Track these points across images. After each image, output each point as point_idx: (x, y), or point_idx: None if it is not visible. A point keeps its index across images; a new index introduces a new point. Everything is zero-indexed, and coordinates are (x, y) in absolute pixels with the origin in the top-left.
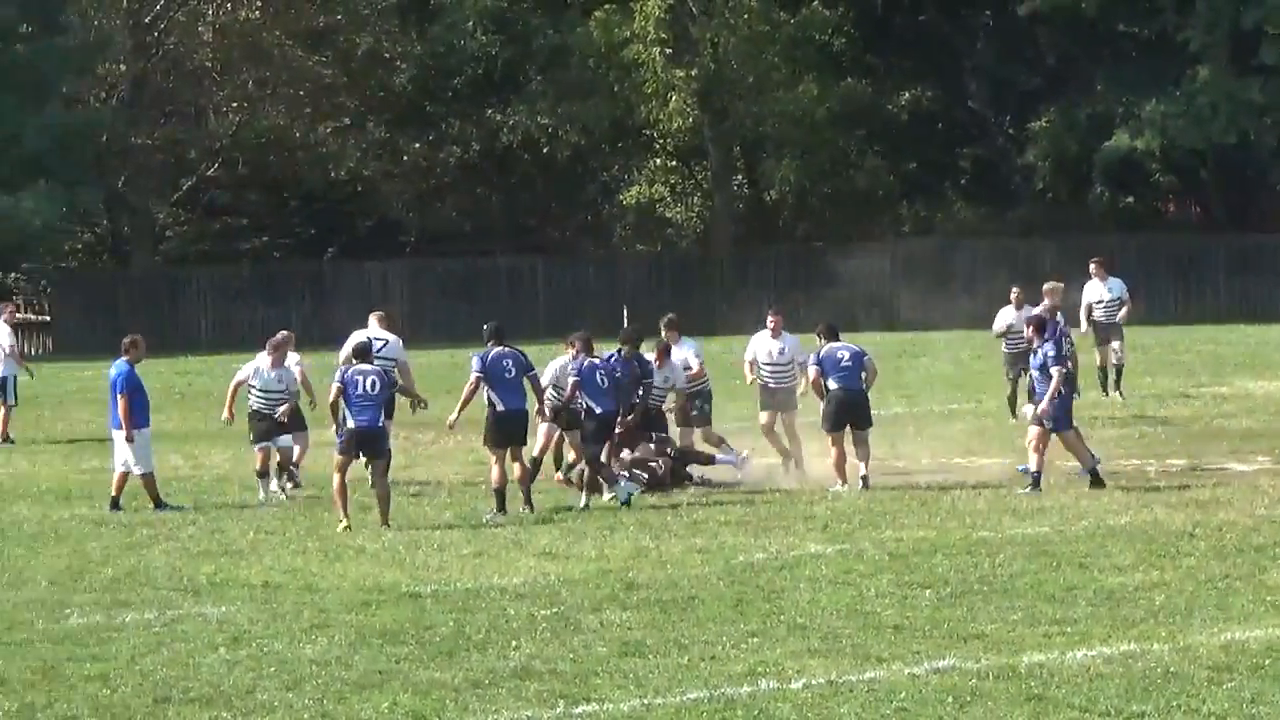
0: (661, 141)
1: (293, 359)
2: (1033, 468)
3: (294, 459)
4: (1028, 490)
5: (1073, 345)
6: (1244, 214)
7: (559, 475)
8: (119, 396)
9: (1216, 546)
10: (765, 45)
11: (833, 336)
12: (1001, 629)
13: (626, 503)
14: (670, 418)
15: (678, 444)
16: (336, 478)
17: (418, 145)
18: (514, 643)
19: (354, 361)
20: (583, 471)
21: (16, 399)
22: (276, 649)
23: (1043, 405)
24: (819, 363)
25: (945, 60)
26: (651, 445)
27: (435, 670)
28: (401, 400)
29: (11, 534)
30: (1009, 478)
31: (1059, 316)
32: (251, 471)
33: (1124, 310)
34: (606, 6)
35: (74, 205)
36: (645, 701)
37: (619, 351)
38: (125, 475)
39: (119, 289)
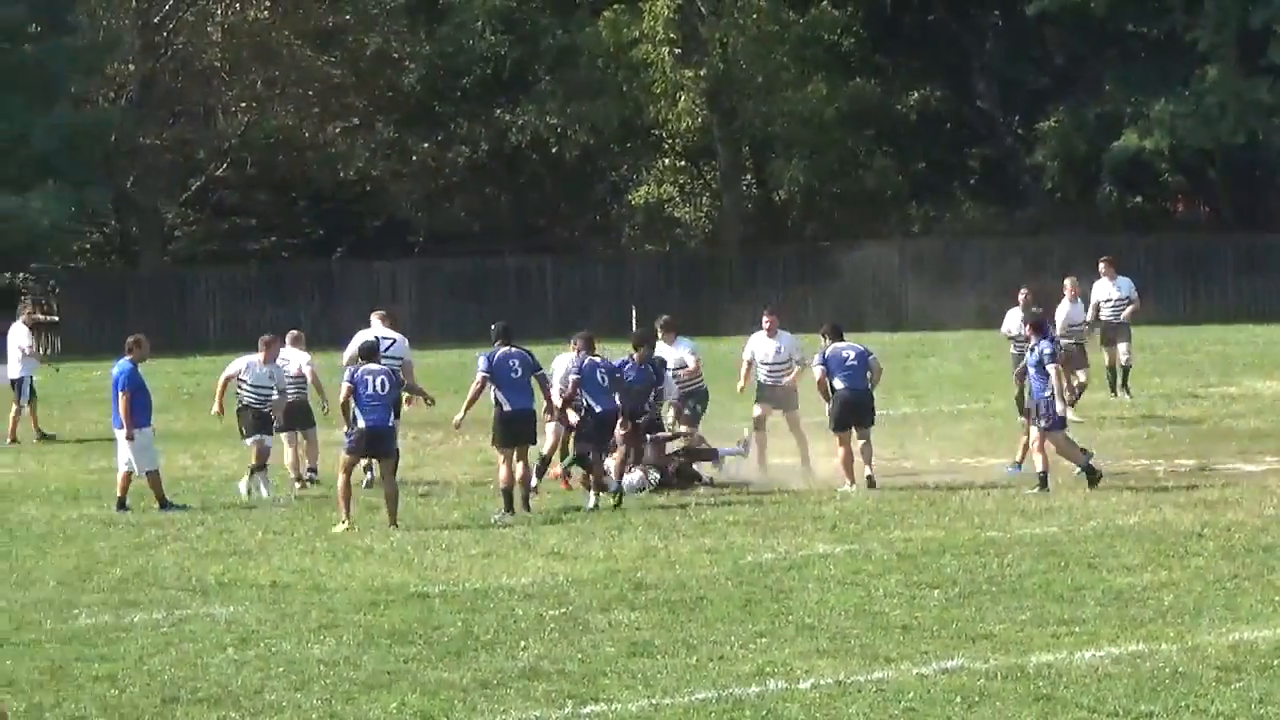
0: (670, 141)
1: (303, 359)
2: (1039, 467)
3: (313, 458)
4: (1035, 490)
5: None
6: (1252, 214)
7: (555, 470)
8: (120, 394)
9: (1225, 547)
10: (774, 45)
11: (837, 336)
12: (1010, 629)
13: (618, 497)
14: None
15: (678, 443)
16: (342, 477)
17: (426, 145)
18: (522, 643)
19: (361, 362)
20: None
21: (34, 398)
22: (285, 649)
23: (1059, 406)
24: (824, 362)
25: (954, 60)
26: (650, 446)
27: (443, 670)
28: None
29: (20, 534)
30: (1020, 477)
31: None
32: (260, 468)
33: (1130, 309)
34: (615, 6)
35: (82, 205)
36: (653, 702)
37: (631, 357)
38: (129, 475)
39: (127, 289)
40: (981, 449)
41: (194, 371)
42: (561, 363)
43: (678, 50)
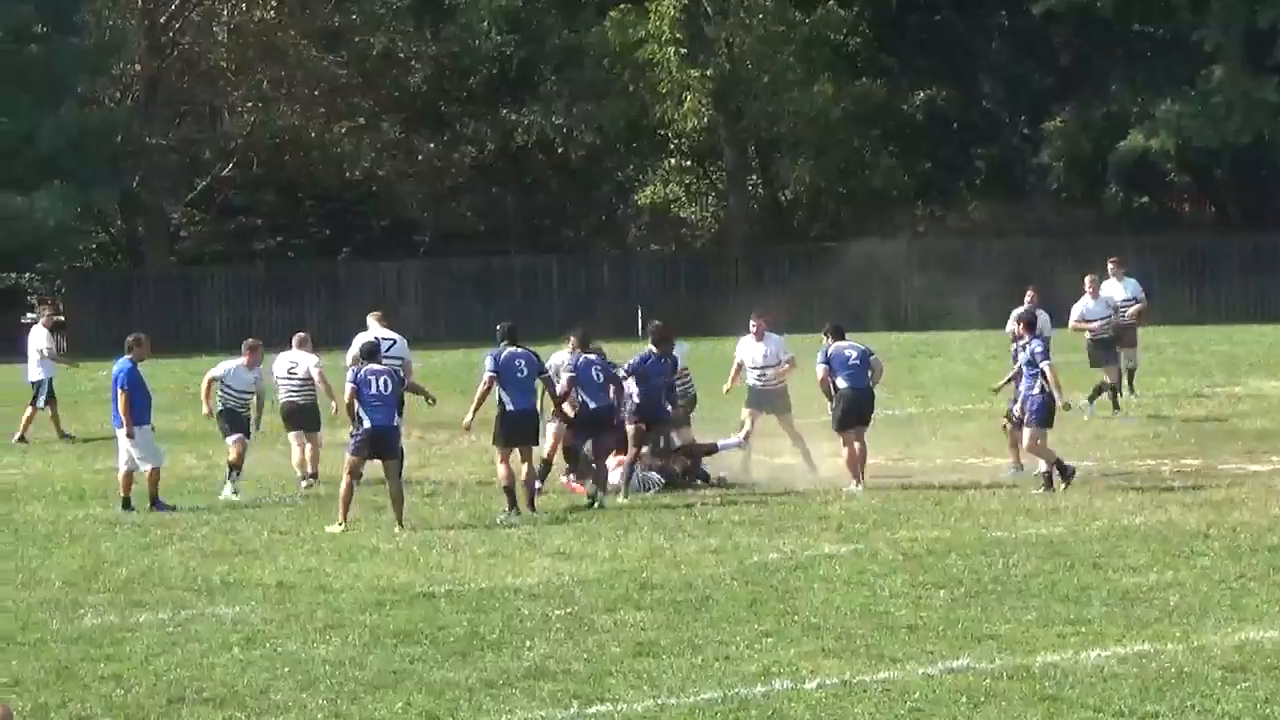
0: (676, 141)
1: (311, 361)
2: (1042, 467)
3: (314, 462)
4: (1041, 490)
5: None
6: (1259, 213)
7: (563, 479)
8: (119, 393)
9: (1231, 547)
10: (780, 45)
11: (839, 336)
12: (1015, 629)
13: (598, 503)
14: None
15: (676, 441)
16: (346, 479)
17: (432, 145)
18: (528, 643)
19: (363, 362)
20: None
21: (53, 399)
22: (290, 649)
23: (1059, 401)
24: (826, 361)
25: (960, 60)
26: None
27: (449, 670)
28: (416, 398)
29: (26, 534)
30: (1027, 477)
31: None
32: (237, 467)
33: (1136, 308)
34: (621, 6)
35: (88, 205)
36: (659, 702)
37: (652, 351)
38: (131, 474)
39: (133, 289)
40: (987, 449)
41: (199, 371)
42: (556, 360)
43: (684, 50)
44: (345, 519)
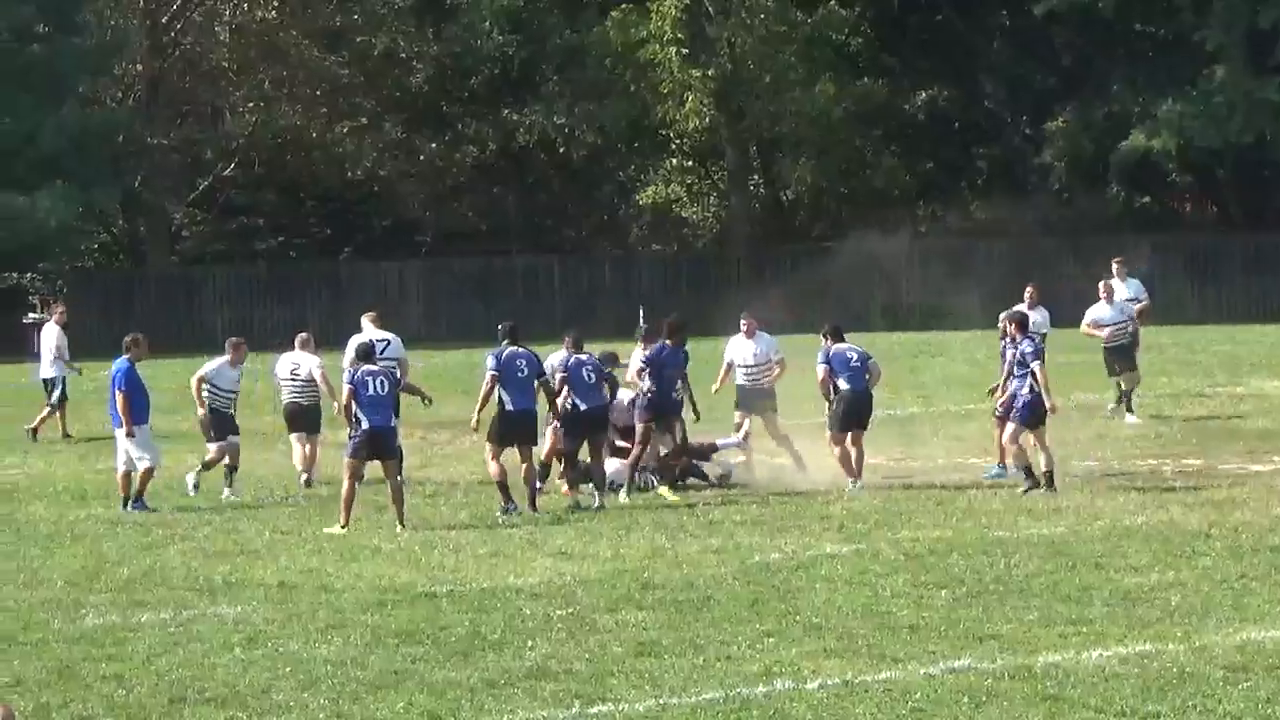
0: (678, 141)
1: (314, 362)
2: (1043, 466)
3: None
4: (1043, 490)
5: None
6: (1261, 214)
7: (566, 489)
8: (117, 393)
9: (1232, 547)
10: (782, 45)
11: (838, 337)
12: (1017, 629)
13: (599, 504)
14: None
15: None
16: (347, 483)
17: (434, 145)
18: (529, 643)
19: (359, 364)
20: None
21: (65, 398)
22: (292, 649)
23: (1048, 402)
24: (827, 361)
25: (962, 60)
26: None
27: (451, 670)
28: (413, 399)
29: (28, 534)
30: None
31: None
32: (222, 465)
33: (1138, 307)
34: (623, 6)
35: (90, 205)
36: (660, 702)
37: (666, 344)
38: (129, 475)
39: (135, 289)
40: (989, 449)
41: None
42: (553, 361)
43: (685, 50)
44: (348, 521)
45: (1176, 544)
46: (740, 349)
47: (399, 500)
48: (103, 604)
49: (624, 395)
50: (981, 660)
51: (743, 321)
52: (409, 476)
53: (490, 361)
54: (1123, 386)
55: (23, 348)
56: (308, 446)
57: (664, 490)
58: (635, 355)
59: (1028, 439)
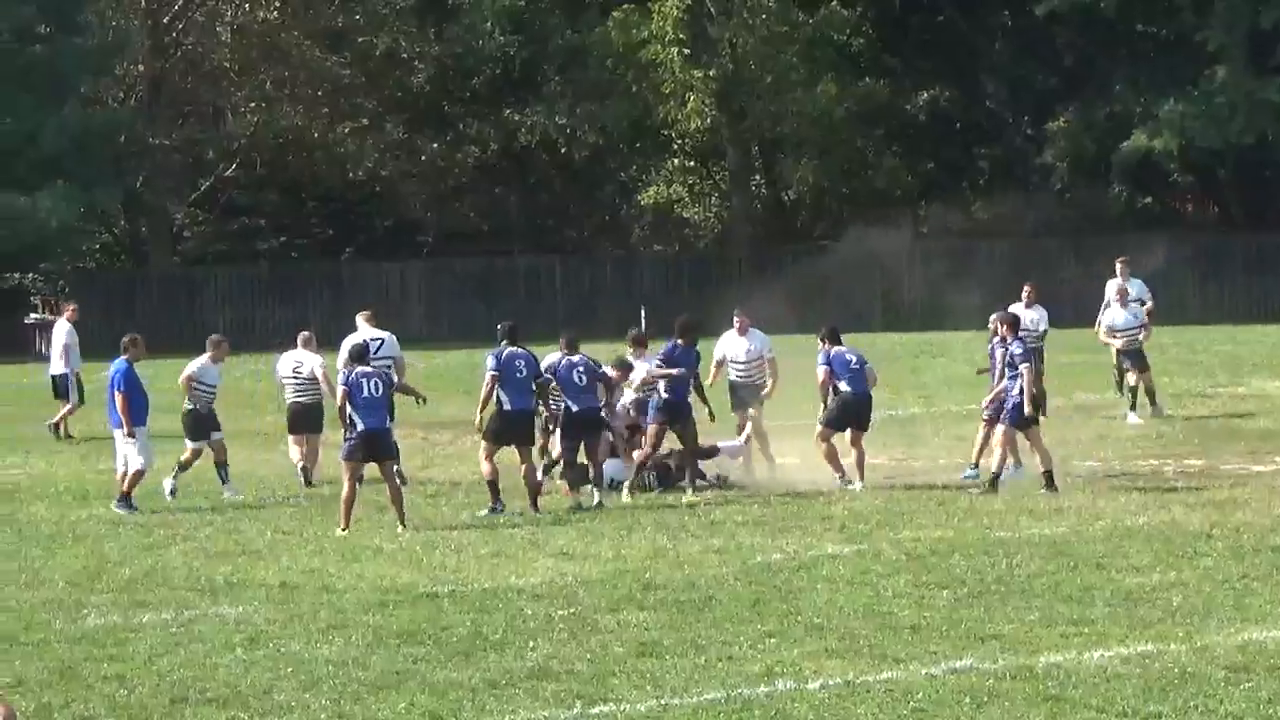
0: (679, 142)
1: (316, 361)
2: (1040, 466)
3: (313, 465)
4: (1044, 490)
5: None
6: (1262, 214)
7: (567, 490)
8: (117, 394)
9: (1234, 547)
10: (783, 45)
11: (836, 340)
12: (1019, 629)
13: (598, 503)
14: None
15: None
16: (347, 485)
17: (436, 145)
18: (531, 643)
19: (353, 365)
20: (585, 471)
21: (83, 398)
22: (293, 649)
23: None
24: (828, 363)
25: (963, 60)
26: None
27: (452, 671)
28: (407, 399)
29: (29, 534)
30: (1031, 477)
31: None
32: (199, 465)
33: (1144, 307)
34: (625, 7)
35: (92, 206)
36: (662, 702)
37: (678, 343)
38: (127, 475)
39: (137, 289)
40: (991, 449)
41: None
42: (548, 361)
43: (687, 50)
44: (348, 523)
45: (1178, 544)
46: (733, 346)
47: (398, 501)
48: (104, 604)
49: (628, 396)
50: (983, 660)
51: (735, 319)
52: (411, 476)
53: (490, 362)
54: (1142, 387)
55: (24, 348)
56: (308, 446)
57: (689, 495)
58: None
59: (1010, 434)
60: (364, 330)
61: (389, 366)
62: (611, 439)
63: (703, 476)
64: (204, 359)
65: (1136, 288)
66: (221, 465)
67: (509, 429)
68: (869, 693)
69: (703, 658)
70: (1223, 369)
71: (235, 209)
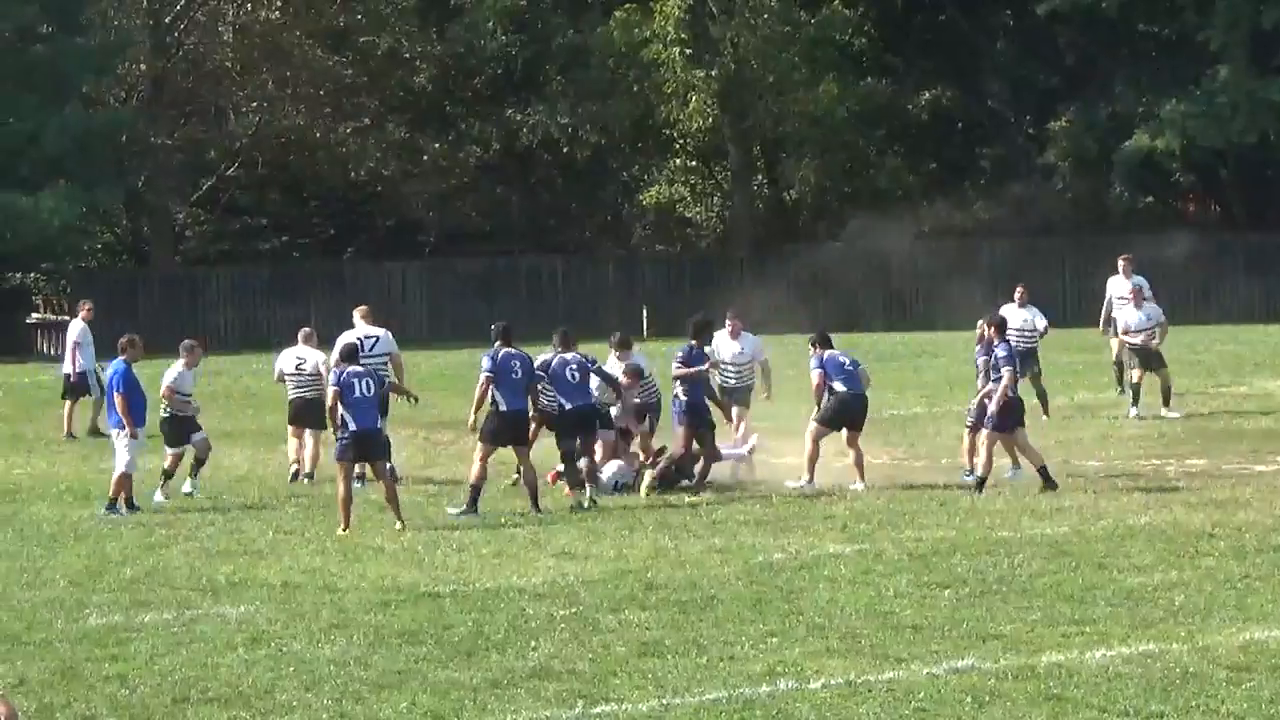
0: (681, 142)
1: (318, 357)
2: (1033, 465)
3: (313, 461)
4: (1043, 488)
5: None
6: (1263, 213)
7: (567, 490)
8: (116, 395)
9: (1236, 546)
10: (785, 45)
11: (827, 344)
12: (1020, 629)
13: (591, 500)
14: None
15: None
16: (342, 486)
17: (437, 145)
18: (533, 643)
19: (344, 364)
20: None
21: (103, 391)
22: (295, 649)
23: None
24: (821, 366)
25: (965, 60)
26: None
27: (454, 670)
28: (400, 398)
29: (30, 534)
30: (1029, 478)
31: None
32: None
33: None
34: (626, 6)
35: (94, 205)
36: (664, 702)
37: (692, 345)
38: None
39: (139, 289)
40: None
41: (205, 372)
42: (541, 360)
43: (689, 50)
44: (348, 522)
45: (1180, 544)
46: (725, 348)
47: (393, 500)
48: (106, 604)
49: (629, 397)
50: (985, 660)
51: (728, 321)
52: (406, 475)
53: (485, 363)
54: (1160, 385)
55: (26, 348)
56: (309, 443)
57: (647, 482)
58: (611, 364)
59: (992, 437)
60: (360, 326)
61: (385, 363)
62: (612, 439)
63: (690, 477)
64: (179, 366)
65: (1138, 286)
66: (200, 464)
67: (505, 430)
68: (871, 692)
69: (704, 657)
70: (1224, 369)
71: (237, 209)
